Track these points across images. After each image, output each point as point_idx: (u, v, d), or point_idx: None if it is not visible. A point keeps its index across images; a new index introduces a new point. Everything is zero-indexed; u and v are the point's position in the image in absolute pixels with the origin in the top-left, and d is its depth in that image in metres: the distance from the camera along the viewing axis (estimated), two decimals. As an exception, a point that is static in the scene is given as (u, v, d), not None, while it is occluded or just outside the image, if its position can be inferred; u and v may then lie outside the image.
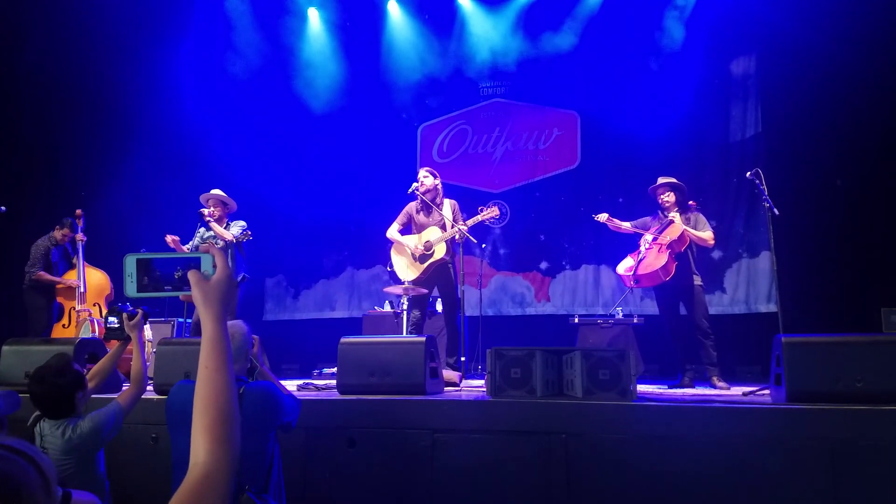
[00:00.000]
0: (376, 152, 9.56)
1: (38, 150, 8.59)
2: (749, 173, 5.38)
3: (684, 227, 5.52)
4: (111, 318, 3.30)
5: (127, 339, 3.31)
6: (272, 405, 2.79)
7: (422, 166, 9.38)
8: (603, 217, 5.89)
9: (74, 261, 6.73)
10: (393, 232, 6.00)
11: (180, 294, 1.33)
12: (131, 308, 3.29)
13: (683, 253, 5.51)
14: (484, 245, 8.71)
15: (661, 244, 5.45)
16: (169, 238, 6.00)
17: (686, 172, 7.75)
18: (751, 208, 7.89)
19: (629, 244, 8.43)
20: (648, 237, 5.59)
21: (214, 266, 1.30)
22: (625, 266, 5.60)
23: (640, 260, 5.46)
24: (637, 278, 5.38)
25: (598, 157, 8.79)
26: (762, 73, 8.24)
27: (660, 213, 5.82)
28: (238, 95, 9.57)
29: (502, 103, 9.39)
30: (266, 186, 9.33)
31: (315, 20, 9.59)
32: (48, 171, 8.60)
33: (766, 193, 5.22)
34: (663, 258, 5.37)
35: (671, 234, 5.48)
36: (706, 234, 5.57)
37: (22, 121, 8.55)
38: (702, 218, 5.69)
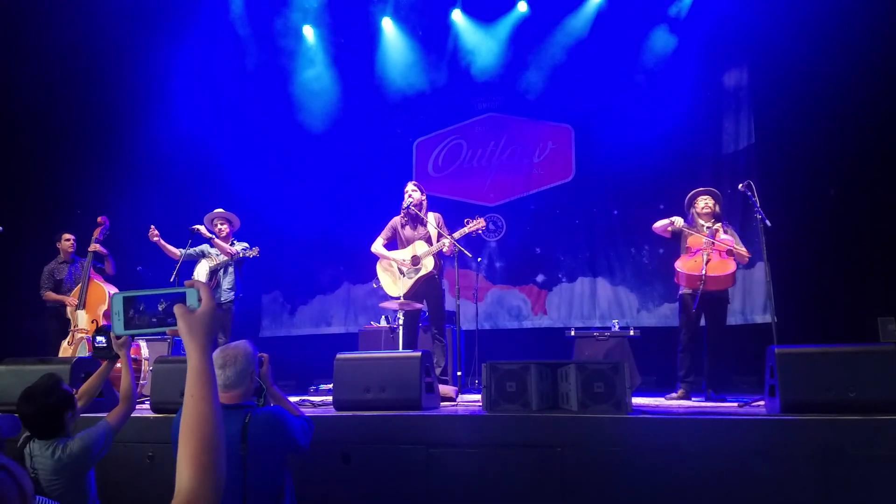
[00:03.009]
0: (372, 168, 9.61)
1: (34, 169, 8.62)
2: (741, 185, 5.39)
3: (732, 241, 5.48)
4: (99, 338, 3.31)
5: (115, 358, 3.32)
6: (280, 431, 2.71)
7: (417, 181, 9.44)
8: (680, 222, 5.63)
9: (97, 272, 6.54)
10: (378, 247, 6.00)
11: (166, 329, 1.37)
12: None
13: None
14: (480, 258, 8.73)
15: (720, 250, 5.40)
16: (152, 234, 6.17)
17: (679, 184, 7.77)
18: (744, 220, 7.91)
19: (625, 257, 8.52)
20: (705, 239, 5.43)
21: (199, 300, 1.34)
22: (688, 265, 5.44)
23: (707, 261, 5.33)
24: (706, 279, 5.29)
25: (593, 170, 8.83)
26: (754, 84, 8.31)
27: (695, 219, 5.70)
28: (234, 112, 9.64)
29: (496, 117, 9.45)
30: (262, 202, 9.35)
31: (310, 38, 9.66)
32: (43, 190, 8.62)
33: (759, 205, 5.24)
34: (731, 265, 5.35)
35: (726, 242, 5.43)
36: (745, 251, 5.53)
37: (17, 139, 8.58)
38: (735, 234, 5.68)
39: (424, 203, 6.02)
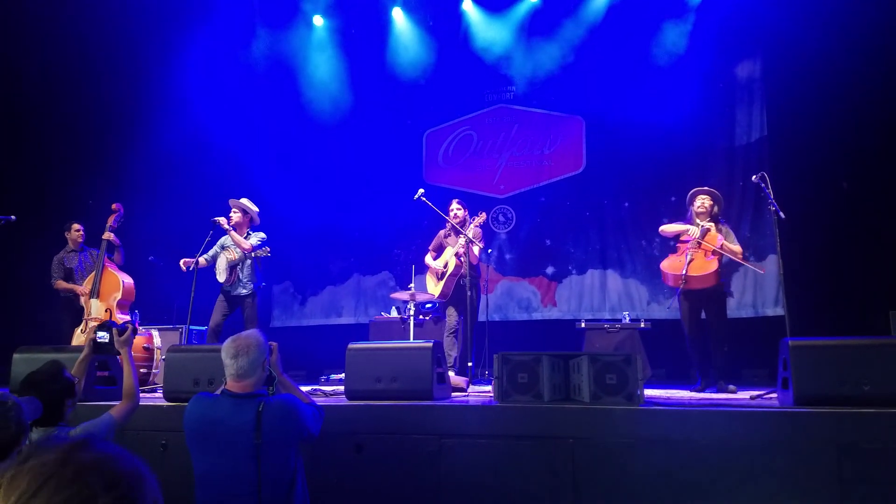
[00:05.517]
0: (382, 159, 9.60)
1: (47, 158, 8.66)
2: (755, 177, 5.37)
3: (723, 239, 5.55)
4: (101, 333, 3.31)
5: (116, 354, 3.33)
6: (293, 420, 2.72)
7: (427, 172, 9.49)
8: (696, 232, 5.60)
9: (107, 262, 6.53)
10: (428, 259, 6.69)
11: None
12: (122, 323, 3.33)
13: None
14: (490, 250, 8.72)
15: (707, 250, 5.49)
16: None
17: (691, 177, 7.75)
18: (757, 212, 7.88)
19: (635, 249, 8.49)
20: (691, 241, 5.56)
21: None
22: (672, 265, 5.60)
23: (690, 261, 5.45)
24: (687, 278, 5.40)
25: (604, 162, 8.79)
26: (767, 76, 8.23)
27: (694, 218, 5.76)
28: (246, 103, 9.64)
29: (507, 109, 9.42)
30: (273, 193, 9.34)
31: (321, 28, 9.64)
32: (56, 180, 8.66)
33: (772, 197, 5.22)
34: (713, 264, 5.44)
35: (713, 241, 5.52)
36: (737, 248, 5.61)
37: (30, 129, 8.61)
38: (731, 232, 5.74)
39: (467, 219, 6.58)
